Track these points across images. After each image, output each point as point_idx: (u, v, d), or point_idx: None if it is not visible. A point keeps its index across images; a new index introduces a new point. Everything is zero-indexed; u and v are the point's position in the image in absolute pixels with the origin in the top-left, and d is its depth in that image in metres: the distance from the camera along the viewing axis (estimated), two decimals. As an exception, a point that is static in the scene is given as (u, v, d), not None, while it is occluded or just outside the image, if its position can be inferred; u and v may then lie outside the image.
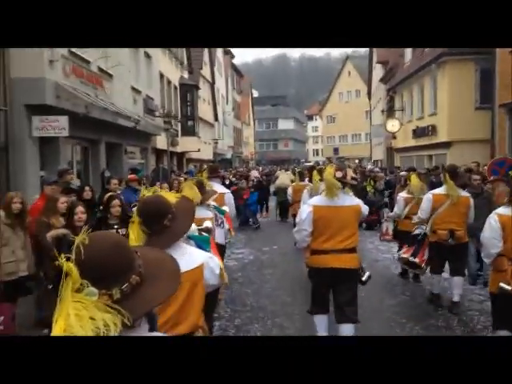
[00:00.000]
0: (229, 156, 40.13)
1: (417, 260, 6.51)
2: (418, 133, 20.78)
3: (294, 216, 10.62)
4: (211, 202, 5.25)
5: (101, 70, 12.13)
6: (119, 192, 8.44)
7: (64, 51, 9.88)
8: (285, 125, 71.20)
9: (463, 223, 6.26)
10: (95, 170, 12.36)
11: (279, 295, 7.36)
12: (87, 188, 7.43)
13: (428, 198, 6.44)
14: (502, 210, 4.43)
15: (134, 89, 14.71)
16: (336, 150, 60.23)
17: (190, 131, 23.88)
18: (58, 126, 9.19)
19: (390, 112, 26.04)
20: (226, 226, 5.50)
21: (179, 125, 23.21)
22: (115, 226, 5.00)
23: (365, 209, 4.92)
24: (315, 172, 7.55)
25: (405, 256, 6.72)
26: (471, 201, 6.33)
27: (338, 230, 4.61)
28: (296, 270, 8.92)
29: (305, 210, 4.77)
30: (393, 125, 23.24)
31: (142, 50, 16.06)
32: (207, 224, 3.70)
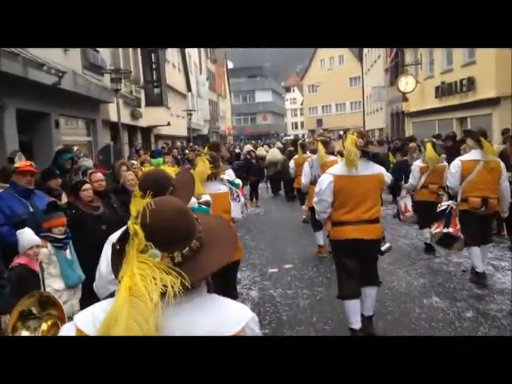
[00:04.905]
0: (205, 132, 35.31)
1: (451, 229, 6.08)
2: (444, 90, 16.49)
3: (298, 190, 9.70)
4: (224, 176, 5.12)
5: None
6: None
7: None
8: (262, 97, 66.54)
9: (496, 190, 5.90)
10: None
11: None
12: None
13: (456, 164, 6.04)
14: None
15: (63, 31, 9.99)
16: (319, 122, 56.53)
17: (156, 100, 19.17)
18: None
19: (398, 69, 21.60)
20: (242, 199, 5.04)
21: (142, 93, 18.49)
22: None
23: (387, 177, 4.71)
24: (319, 144, 7.53)
25: (438, 231, 6.22)
26: (503, 165, 6.00)
27: (360, 200, 4.43)
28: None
29: (325, 180, 4.53)
30: (407, 83, 18.82)
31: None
32: (206, 197, 3.67)
